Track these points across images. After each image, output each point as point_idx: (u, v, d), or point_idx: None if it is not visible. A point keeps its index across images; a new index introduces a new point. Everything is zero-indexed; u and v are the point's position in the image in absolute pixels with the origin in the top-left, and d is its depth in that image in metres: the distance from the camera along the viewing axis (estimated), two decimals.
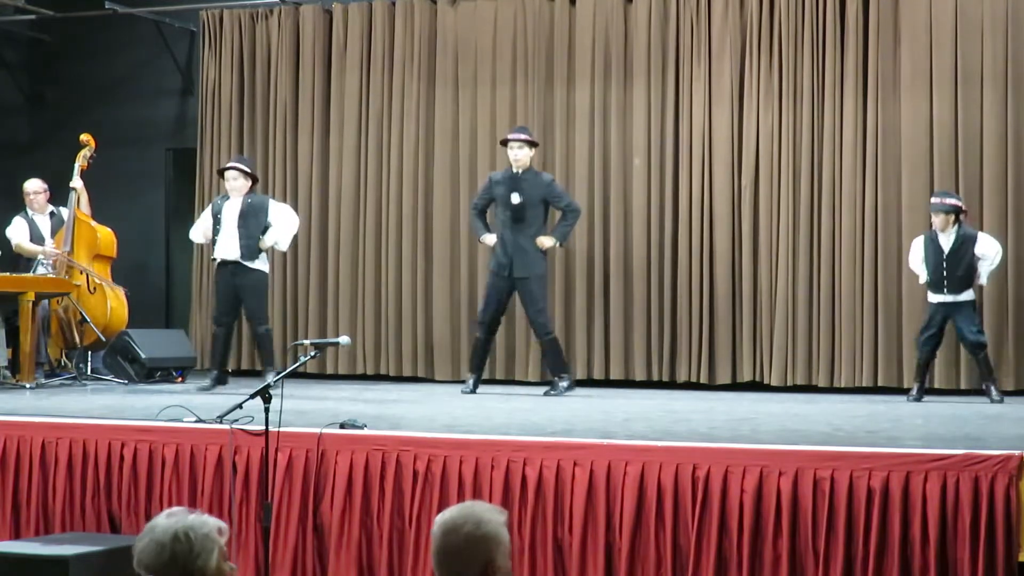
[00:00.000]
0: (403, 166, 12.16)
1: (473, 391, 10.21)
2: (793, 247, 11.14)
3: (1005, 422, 8.04)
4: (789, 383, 11.02)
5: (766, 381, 11.12)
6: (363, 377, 12.11)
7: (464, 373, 11.70)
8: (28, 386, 10.20)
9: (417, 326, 12.02)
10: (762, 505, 6.05)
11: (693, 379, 11.28)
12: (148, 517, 6.83)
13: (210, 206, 10.53)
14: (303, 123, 12.50)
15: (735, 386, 11.15)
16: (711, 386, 11.20)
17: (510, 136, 10.33)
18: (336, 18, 12.49)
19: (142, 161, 13.31)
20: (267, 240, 10.20)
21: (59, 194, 11.60)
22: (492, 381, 11.63)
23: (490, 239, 10.30)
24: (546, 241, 10.19)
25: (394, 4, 12.29)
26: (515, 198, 10.13)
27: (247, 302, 10.26)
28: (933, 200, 9.93)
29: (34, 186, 11.51)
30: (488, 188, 10.42)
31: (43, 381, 10.57)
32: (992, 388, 9.74)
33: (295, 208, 12.44)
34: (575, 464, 6.34)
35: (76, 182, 11.43)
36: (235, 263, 10.13)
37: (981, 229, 10.67)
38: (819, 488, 5.99)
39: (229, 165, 10.41)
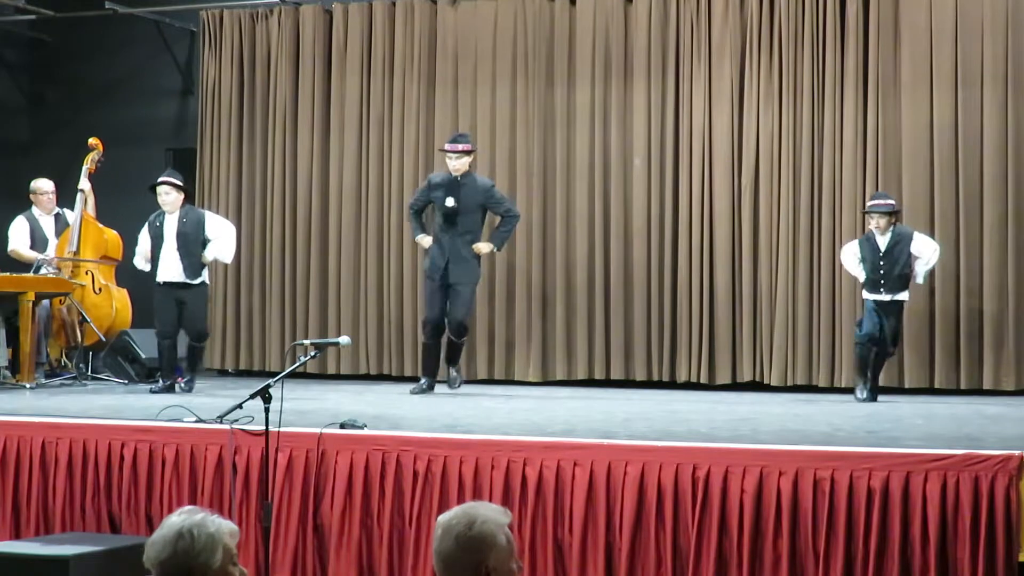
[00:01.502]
0: (404, 166, 12.15)
1: (430, 391, 10.10)
2: (793, 247, 11.14)
3: (1005, 422, 8.05)
4: (789, 383, 11.02)
5: (766, 381, 11.12)
6: (366, 377, 12.11)
7: (464, 373, 11.72)
8: (28, 386, 10.20)
9: (418, 326, 12.00)
10: (762, 505, 6.05)
11: (693, 379, 11.27)
12: (148, 517, 6.89)
13: (146, 227, 10.23)
14: (303, 123, 12.50)
15: (735, 386, 11.15)
16: (711, 386, 11.19)
17: (448, 147, 10.27)
18: (336, 18, 12.49)
19: (142, 161, 13.29)
20: (208, 255, 10.10)
21: (61, 195, 11.60)
22: (492, 381, 11.65)
23: (426, 240, 10.25)
24: (483, 247, 10.17)
25: (394, 4, 12.29)
26: (450, 202, 10.06)
27: (187, 316, 10.06)
28: (873, 202, 9.94)
29: (44, 186, 11.50)
30: (426, 190, 10.35)
31: (43, 381, 10.57)
32: (861, 388, 9.81)
33: (295, 209, 12.51)
34: (575, 464, 6.34)
35: (84, 184, 11.44)
36: (179, 283, 10.01)
37: (981, 229, 10.69)
38: (819, 488, 5.99)
39: (161, 180, 10.18)
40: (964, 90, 10.75)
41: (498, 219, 10.44)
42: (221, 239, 10.18)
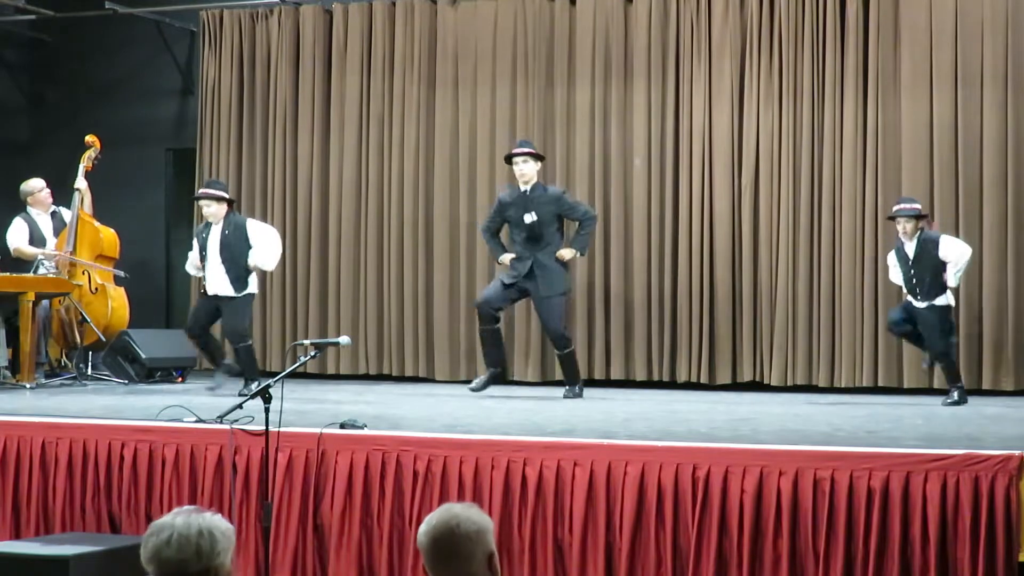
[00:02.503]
0: (404, 166, 12.15)
1: (487, 385, 9.97)
2: (793, 247, 11.14)
3: (1005, 422, 8.05)
4: (789, 383, 11.02)
5: (766, 381, 11.12)
6: (365, 377, 12.11)
7: (464, 373, 11.72)
8: (28, 386, 10.20)
9: (418, 326, 12.01)
10: (762, 505, 6.05)
11: (693, 379, 11.27)
12: (148, 517, 6.88)
13: (196, 237, 10.16)
14: (303, 123, 12.50)
15: (735, 386, 11.15)
16: (711, 386, 11.20)
17: (514, 151, 10.09)
18: (336, 18, 12.49)
19: (142, 161, 13.31)
20: (251, 261, 9.91)
21: (59, 194, 11.59)
22: None
23: (508, 258, 10.01)
24: (566, 254, 9.95)
25: (394, 4, 12.29)
26: (529, 218, 9.86)
27: (227, 322, 9.99)
28: (898, 206, 9.70)
29: (37, 185, 11.49)
30: (499, 210, 10.12)
31: (43, 381, 10.57)
32: (952, 391, 9.54)
33: (295, 208, 12.51)
34: (575, 464, 6.34)
35: (80, 182, 11.43)
36: (224, 296, 9.90)
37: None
38: (819, 488, 5.99)
39: (202, 193, 10.10)
40: (964, 90, 10.75)
41: (575, 224, 10.19)
42: (262, 246, 9.94)
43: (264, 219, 12.51)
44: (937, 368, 10.09)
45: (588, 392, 10.09)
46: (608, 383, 11.38)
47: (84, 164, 11.49)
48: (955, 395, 9.50)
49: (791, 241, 11.14)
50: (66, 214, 11.43)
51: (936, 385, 10.64)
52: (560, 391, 10.05)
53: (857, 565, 5.93)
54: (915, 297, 9.59)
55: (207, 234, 9.96)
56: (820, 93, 11.12)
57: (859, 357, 10.92)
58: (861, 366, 10.91)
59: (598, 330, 11.59)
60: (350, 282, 12.29)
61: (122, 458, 7.13)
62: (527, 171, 9.95)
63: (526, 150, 10.02)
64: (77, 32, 13.47)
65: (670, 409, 8.96)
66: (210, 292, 9.95)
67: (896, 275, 9.80)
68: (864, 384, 10.84)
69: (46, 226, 11.44)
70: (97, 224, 11.47)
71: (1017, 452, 5.82)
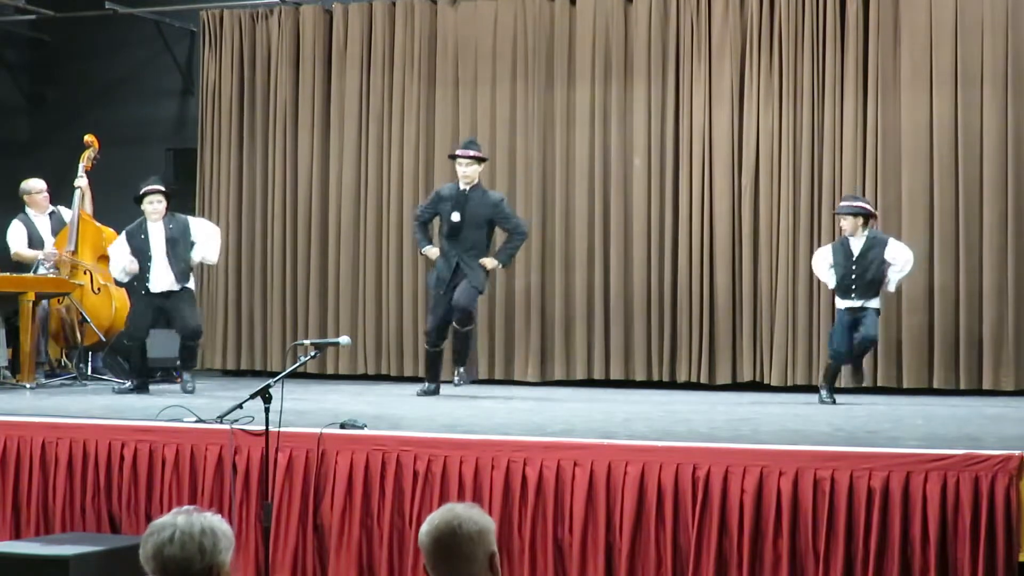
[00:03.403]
0: (403, 166, 12.16)
1: (434, 394, 9.91)
2: (793, 247, 11.14)
3: (1005, 422, 8.05)
4: (789, 383, 11.02)
5: (766, 381, 11.12)
6: (364, 377, 12.11)
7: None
8: (28, 386, 10.20)
9: (418, 326, 12.01)
10: (762, 505, 6.05)
11: (693, 379, 11.27)
12: (148, 517, 6.87)
13: (124, 239, 10.08)
14: (303, 123, 12.50)
15: (735, 386, 11.15)
16: (711, 386, 11.20)
17: (459, 152, 10.04)
18: (336, 18, 12.50)
19: (142, 161, 13.30)
20: (195, 257, 10.03)
21: (59, 194, 11.59)
22: (492, 381, 11.64)
23: (432, 252, 9.98)
24: (488, 263, 9.87)
25: (394, 4, 12.30)
26: (455, 217, 9.81)
27: (184, 316, 9.98)
28: (841, 204, 9.77)
29: (36, 185, 11.48)
30: (434, 202, 10.10)
31: (43, 381, 10.57)
32: (827, 393, 9.56)
33: (295, 208, 12.51)
34: (575, 464, 6.34)
35: (80, 181, 11.42)
36: (168, 291, 9.93)
37: (981, 229, 10.69)
38: (819, 488, 5.99)
39: (151, 189, 10.04)
40: (964, 90, 10.75)
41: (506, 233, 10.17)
42: (208, 241, 10.11)
43: (264, 219, 12.57)
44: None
45: (588, 392, 10.09)
46: (608, 383, 11.38)
47: (83, 164, 11.49)
48: (825, 393, 9.59)
49: (791, 241, 11.14)
50: (65, 213, 11.41)
51: (936, 385, 10.65)
52: (561, 392, 10.05)
53: (857, 565, 5.93)
54: (848, 296, 9.53)
55: (146, 234, 9.96)
56: (820, 93, 11.12)
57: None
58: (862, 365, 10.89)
59: (598, 330, 11.58)
60: (349, 282, 12.30)
61: (122, 458, 7.13)
62: (470, 173, 9.89)
63: (472, 153, 9.95)
64: (77, 32, 13.47)
65: (670, 409, 8.96)
66: (155, 290, 9.92)
67: (826, 272, 9.73)
68: (864, 384, 10.83)
69: (44, 227, 11.42)
70: (99, 225, 11.47)
71: (1017, 452, 5.82)
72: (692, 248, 11.38)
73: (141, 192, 10.04)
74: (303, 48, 12.53)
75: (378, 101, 12.29)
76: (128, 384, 10.10)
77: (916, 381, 10.78)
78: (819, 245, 11.06)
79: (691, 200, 11.40)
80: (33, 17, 13.30)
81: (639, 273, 11.51)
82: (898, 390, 10.59)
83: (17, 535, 7.26)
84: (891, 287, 9.66)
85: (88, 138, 11.60)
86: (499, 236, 10.21)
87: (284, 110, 12.56)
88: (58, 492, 7.24)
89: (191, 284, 10.14)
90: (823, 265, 9.78)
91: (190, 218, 10.39)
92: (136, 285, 10.04)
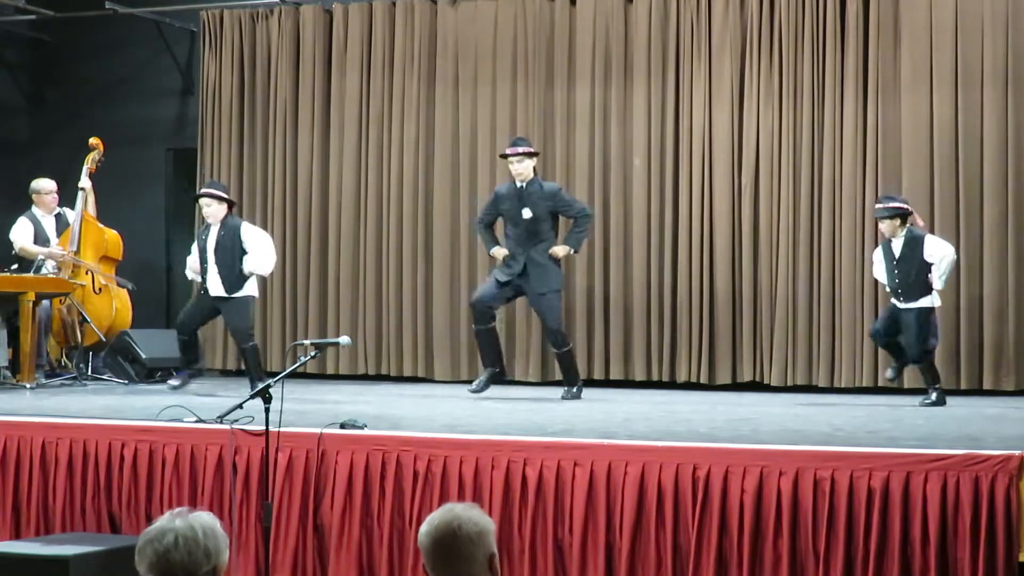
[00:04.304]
0: (403, 166, 12.16)
1: (487, 386, 9.88)
2: (793, 247, 11.14)
3: (1005, 422, 8.05)
4: (789, 383, 11.02)
5: (766, 381, 11.12)
6: (364, 377, 12.11)
7: (464, 373, 11.72)
8: (28, 386, 10.20)
9: (418, 326, 12.02)
10: (762, 505, 6.05)
11: (693, 379, 11.27)
12: (148, 517, 6.87)
13: (196, 239, 10.26)
14: (303, 123, 12.50)
15: (735, 386, 11.15)
16: (711, 386, 11.20)
17: (508, 151, 10.02)
18: (336, 18, 12.49)
19: (142, 161, 13.31)
20: (247, 268, 9.94)
21: (60, 195, 11.59)
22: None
23: (501, 252, 9.94)
24: (560, 251, 9.88)
25: (394, 4, 12.29)
26: (526, 213, 9.81)
27: (229, 322, 10.16)
28: (877, 206, 9.68)
29: (47, 185, 11.49)
30: (494, 203, 10.09)
31: (43, 381, 10.57)
32: (931, 391, 9.47)
33: (295, 209, 12.51)
34: (575, 464, 6.34)
35: (85, 183, 11.43)
36: (223, 297, 9.96)
37: (981, 229, 10.69)
38: (819, 488, 5.99)
39: (202, 192, 10.16)
40: (964, 90, 10.75)
41: (571, 221, 10.13)
42: (256, 252, 9.94)
43: (264, 219, 12.55)
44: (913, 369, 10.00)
45: (588, 392, 10.09)
46: (608, 383, 11.38)
47: (88, 166, 11.50)
48: (933, 396, 9.46)
49: (791, 241, 11.14)
50: (70, 214, 11.45)
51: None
52: (559, 391, 10.04)
53: (857, 565, 5.93)
54: (898, 298, 9.50)
55: (206, 236, 10.01)
56: (820, 93, 11.12)
57: (859, 357, 10.92)
58: (861, 366, 10.91)
59: (598, 330, 11.59)
60: (350, 282, 12.29)
61: (122, 458, 7.13)
62: (522, 170, 9.91)
63: (522, 149, 9.96)
64: (77, 32, 13.46)
65: (670, 409, 8.96)
66: (211, 293, 10.00)
67: (880, 272, 9.71)
68: (864, 384, 10.85)
69: (50, 227, 11.45)
70: (101, 226, 11.48)
71: (1017, 452, 5.82)
72: (692, 248, 11.38)
73: (198, 194, 10.24)
74: (303, 48, 12.53)
75: (378, 101, 12.29)
76: (177, 380, 10.15)
77: (917, 381, 10.76)
78: (819, 245, 11.10)
79: (691, 200, 11.40)
80: (33, 17, 13.29)
81: (639, 273, 11.51)
82: (899, 390, 10.58)
83: (17, 535, 7.26)
84: (938, 285, 9.47)
85: (93, 141, 11.61)
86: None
87: (284, 110, 12.56)
88: (58, 492, 7.24)
89: (247, 292, 9.99)
90: (877, 267, 9.72)
91: (243, 225, 10.14)
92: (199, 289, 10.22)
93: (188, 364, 10.28)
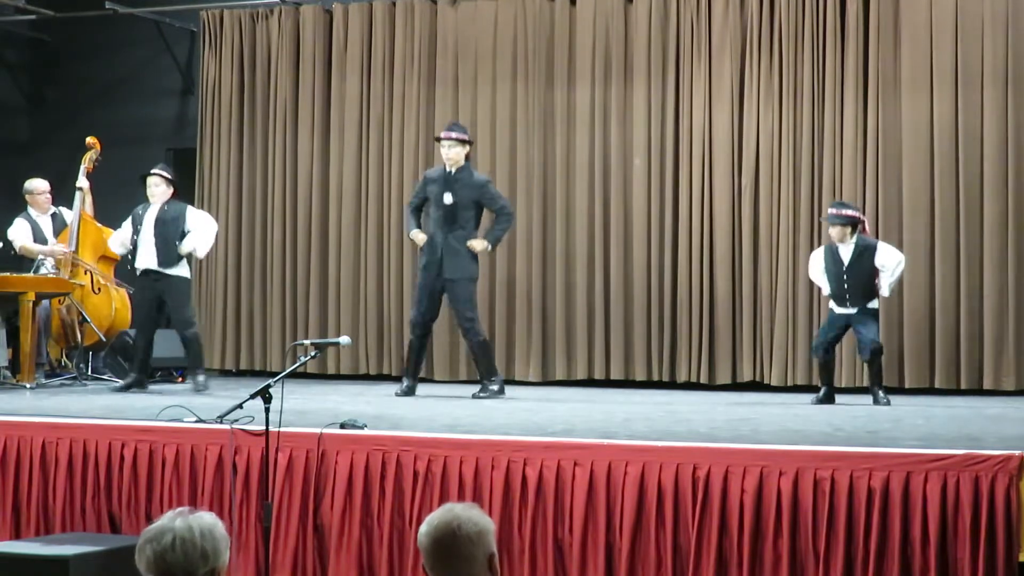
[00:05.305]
0: (403, 165, 12.16)
1: (410, 393, 9.91)
2: (793, 247, 11.14)
3: (1005, 422, 8.04)
4: (789, 383, 11.02)
5: (766, 381, 11.12)
6: (365, 377, 12.11)
7: (465, 373, 11.73)
8: (28, 386, 10.20)
9: None
10: (762, 505, 6.05)
11: (693, 379, 11.28)
12: (148, 517, 6.87)
13: (131, 216, 10.43)
14: (303, 123, 12.50)
15: (735, 386, 11.15)
16: (711, 386, 11.20)
17: (443, 135, 10.07)
18: (336, 18, 12.50)
19: (142, 161, 13.24)
20: (185, 246, 10.14)
21: (59, 195, 11.59)
22: None
23: (420, 237, 9.99)
24: (477, 245, 9.89)
25: (394, 4, 12.30)
26: (447, 198, 9.85)
27: (171, 308, 10.19)
28: (829, 211, 9.71)
29: (40, 186, 11.49)
30: (423, 186, 10.14)
31: (43, 381, 10.57)
32: (879, 392, 9.47)
33: (295, 209, 12.51)
34: (575, 464, 6.34)
35: (82, 182, 11.43)
36: (155, 271, 10.09)
37: (981, 229, 10.69)
38: (819, 488, 5.99)
39: (152, 172, 10.37)
40: (964, 90, 10.76)
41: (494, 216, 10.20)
42: (199, 231, 10.22)
43: (264, 219, 12.57)
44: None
45: (588, 392, 10.10)
46: (608, 383, 11.38)
47: (85, 165, 11.50)
48: (822, 392, 9.54)
49: (791, 241, 11.14)
50: (67, 214, 11.43)
51: (937, 385, 10.65)
52: (561, 392, 10.05)
53: (857, 565, 5.93)
54: (843, 304, 9.50)
55: (144, 212, 10.26)
56: (820, 93, 11.12)
57: (859, 357, 10.91)
58: (861, 366, 10.89)
59: (598, 330, 11.59)
60: (350, 282, 12.30)
61: (122, 458, 7.13)
62: (453, 155, 9.92)
63: (455, 135, 9.98)
64: (77, 32, 13.47)
65: (670, 409, 8.95)
66: (139, 266, 10.17)
67: (819, 276, 9.71)
68: (864, 384, 10.82)
69: (46, 227, 11.44)
70: (99, 225, 11.48)
71: (1017, 452, 5.82)
72: (692, 248, 11.38)
73: (146, 172, 10.36)
74: (303, 48, 12.53)
75: (378, 101, 12.29)
76: (125, 381, 10.15)
77: (917, 381, 10.79)
78: (819, 245, 11.07)
79: (691, 200, 11.41)
80: (33, 17, 13.30)
81: (639, 273, 11.51)
82: (899, 390, 10.59)
83: (17, 535, 7.26)
84: (884, 292, 9.59)
85: (90, 140, 11.60)
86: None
87: (284, 110, 12.56)
88: (58, 492, 7.23)
89: (184, 272, 10.22)
90: (816, 270, 9.77)
91: (190, 208, 10.53)
92: (130, 259, 10.32)
93: (139, 369, 10.21)
